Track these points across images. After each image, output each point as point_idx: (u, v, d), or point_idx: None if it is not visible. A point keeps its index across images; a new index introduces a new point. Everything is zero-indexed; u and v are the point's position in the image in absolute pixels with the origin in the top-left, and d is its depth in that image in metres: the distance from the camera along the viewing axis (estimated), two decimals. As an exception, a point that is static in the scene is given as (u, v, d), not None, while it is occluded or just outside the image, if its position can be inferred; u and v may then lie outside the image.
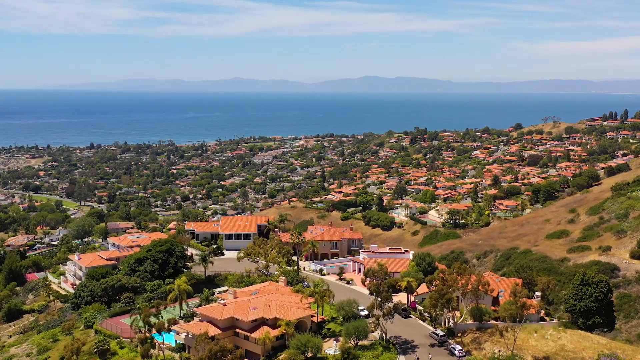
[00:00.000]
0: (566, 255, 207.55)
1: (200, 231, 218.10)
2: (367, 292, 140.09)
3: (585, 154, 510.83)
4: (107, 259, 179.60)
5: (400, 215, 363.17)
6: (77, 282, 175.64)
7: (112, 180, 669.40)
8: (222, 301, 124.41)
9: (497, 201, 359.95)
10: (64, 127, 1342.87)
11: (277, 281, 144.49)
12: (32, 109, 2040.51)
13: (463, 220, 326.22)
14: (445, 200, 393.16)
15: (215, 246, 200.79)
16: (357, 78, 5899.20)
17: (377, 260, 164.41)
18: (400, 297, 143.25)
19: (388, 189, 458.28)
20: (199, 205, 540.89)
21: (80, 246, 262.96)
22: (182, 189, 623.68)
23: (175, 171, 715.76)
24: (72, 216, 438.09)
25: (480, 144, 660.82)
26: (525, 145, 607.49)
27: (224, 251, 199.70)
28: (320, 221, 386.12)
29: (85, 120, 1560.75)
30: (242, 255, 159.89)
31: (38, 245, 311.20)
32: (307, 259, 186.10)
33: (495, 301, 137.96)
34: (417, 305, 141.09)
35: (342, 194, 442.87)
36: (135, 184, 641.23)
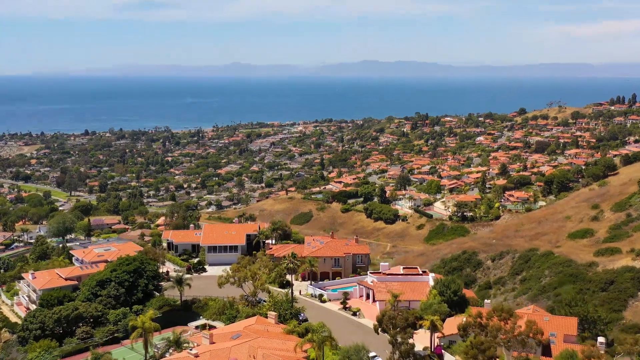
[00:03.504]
0: (593, 259, 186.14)
1: (179, 242, 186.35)
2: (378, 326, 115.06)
3: (594, 140, 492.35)
4: (66, 279, 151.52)
5: (404, 207, 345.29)
6: (32, 306, 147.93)
7: (105, 168, 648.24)
8: (193, 351, 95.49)
9: (507, 192, 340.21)
10: (60, 113, 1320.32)
11: (266, 315, 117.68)
12: (27, 95, 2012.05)
13: (471, 213, 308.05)
14: (451, 191, 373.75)
15: (196, 260, 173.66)
16: (356, 62, 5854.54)
17: (388, 284, 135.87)
18: (420, 336, 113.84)
19: (390, 178, 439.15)
20: (193, 195, 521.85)
21: (60, 245, 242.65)
22: (176, 177, 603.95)
23: (170, 159, 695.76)
24: (60, 208, 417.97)
25: (483, 129, 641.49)
26: (531, 130, 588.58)
27: (206, 266, 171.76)
28: (320, 214, 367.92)
29: (81, 107, 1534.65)
30: (223, 280, 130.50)
31: (16, 244, 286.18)
32: (303, 279, 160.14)
33: (546, 349, 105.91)
34: (443, 350, 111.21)
35: (342, 184, 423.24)
36: (128, 173, 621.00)
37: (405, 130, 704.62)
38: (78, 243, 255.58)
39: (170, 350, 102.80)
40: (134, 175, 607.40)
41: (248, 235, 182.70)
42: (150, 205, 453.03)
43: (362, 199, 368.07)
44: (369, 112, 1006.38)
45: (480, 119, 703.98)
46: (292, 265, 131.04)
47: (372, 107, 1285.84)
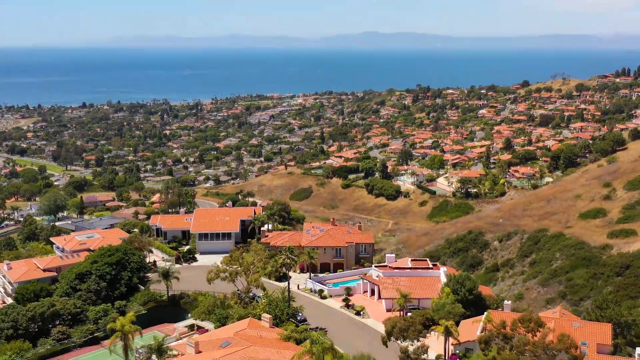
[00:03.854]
0: (607, 241, 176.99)
1: (168, 228, 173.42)
2: (383, 328, 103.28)
3: (599, 113, 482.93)
4: (44, 269, 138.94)
5: (406, 183, 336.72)
6: (8, 299, 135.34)
7: (102, 142, 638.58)
8: None
9: (512, 168, 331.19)
10: (58, 85, 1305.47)
11: (260, 317, 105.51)
12: (25, 68, 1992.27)
13: (476, 190, 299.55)
14: (454, 166, 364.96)
15: (186, 248, 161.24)
16: (356, 34, 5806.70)
17: (395, 280, 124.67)
18: (432, 341, 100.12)
19: (392, 152, 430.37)
20: (191, 170, 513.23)
21: (51, 223, 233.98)
22: (174, 151, 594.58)
23: (168, 132, 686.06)
24: (55, 183, 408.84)
25: (486, 102, 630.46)
26: (534, 103, 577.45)
27: (197, 255, 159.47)
28: (320, 189, 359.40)
29: (79, 79, 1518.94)
30: (212, 276, 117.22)
31: (6, 223, 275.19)
32: (302, 270, 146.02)
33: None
34: (458, 359, 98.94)
35: (343, 158, 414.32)
36: (125, 146, 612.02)
37: (406, 102, 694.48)
38: (70, 222, 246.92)
39: (153, 358, 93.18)
40: (131, 149, 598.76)
41: (242, 221, 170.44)
42: (147, 180, 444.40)
43: (363, 174, 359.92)
44: (369, 85, 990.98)
45: (482, 91, 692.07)
46: (288, 260, 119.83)
47: (372, 79, 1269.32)
